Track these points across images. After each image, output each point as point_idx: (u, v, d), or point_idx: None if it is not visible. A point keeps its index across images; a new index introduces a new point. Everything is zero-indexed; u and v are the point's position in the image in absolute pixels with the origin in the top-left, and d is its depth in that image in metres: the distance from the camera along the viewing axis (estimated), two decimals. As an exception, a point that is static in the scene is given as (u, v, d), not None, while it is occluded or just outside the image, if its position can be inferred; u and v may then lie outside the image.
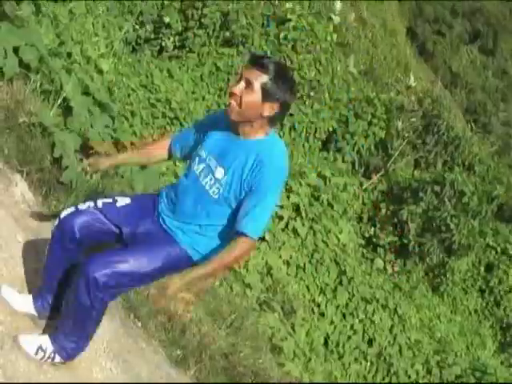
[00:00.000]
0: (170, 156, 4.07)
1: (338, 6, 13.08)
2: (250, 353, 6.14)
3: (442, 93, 19.19)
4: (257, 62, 3.50)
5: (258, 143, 3.58)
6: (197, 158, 3.70)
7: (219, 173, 3.60)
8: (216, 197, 3.61)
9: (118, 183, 6.05)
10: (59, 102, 5.90)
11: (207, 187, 3.62)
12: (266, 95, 3.49)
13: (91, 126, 5.96)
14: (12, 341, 3.79)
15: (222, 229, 3.71)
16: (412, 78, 14.27)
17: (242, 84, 3.50)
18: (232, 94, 3.53)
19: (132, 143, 4.60)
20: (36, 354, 3.77)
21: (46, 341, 3.79)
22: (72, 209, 3.79)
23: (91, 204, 3.79)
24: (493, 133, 24.74)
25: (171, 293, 3.46)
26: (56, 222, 3.82)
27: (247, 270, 8.29)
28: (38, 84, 5.96)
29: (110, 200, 3.85)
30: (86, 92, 6.35)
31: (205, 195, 3.63)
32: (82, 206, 3.78)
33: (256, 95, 3.49)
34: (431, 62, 26.62)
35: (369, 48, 16.81)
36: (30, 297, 4.06)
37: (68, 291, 3.79)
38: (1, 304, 3.94)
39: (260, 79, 3.47)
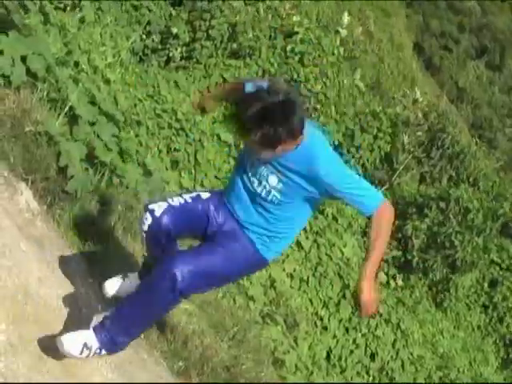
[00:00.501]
0: None
1: (346, 19, 13.11)
2: (252, 366, 6.12)
3: (448, 107, 19.19)
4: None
5: (302, 150, 3.54)
6: (245, 172, 3.81)
7: (272, 180, 3.64)
8: (276, 202, 3.69)
9: (122, 193, 6.05)
10: (65, 111, 5.90)
11: (264, 195, 3.70)
12: (271, 145, 3.44)
13: (97, 136, 5.96)
14: (54, 343, 3.76)
15: (292, 223, 3.85)
16: (418, 92, 14.26)
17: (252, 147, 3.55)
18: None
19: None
20: (81, 353, 3.68)
21: (90, 337, 3.70)
22: (164, 205, 3.81)
23: (181, 200, 3.86)
24: (498, 148, 24.71)
25: (371, 299, 3.57)
26: (149, 218, 3.83)
27: (251, 282, 8.28)
28: (45, 93, 5.96)
29: (195, 194, 3.93)
30: (93, 101, 6.36)
31: (265, 202, 3.74)
32: (173, 202, 3.83)
33: (267, 153, 3.48)
34: (438, 76, 26.61)
35: (376, 62, 16.82)
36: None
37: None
38: (3, 312, 3.93)
39: (254, 141, 3.43)
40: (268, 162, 3.64)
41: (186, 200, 3.86)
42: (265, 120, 3.34)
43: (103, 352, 3.74)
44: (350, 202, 3.65)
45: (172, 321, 5.49)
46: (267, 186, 3.66)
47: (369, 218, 3.68)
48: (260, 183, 3.69)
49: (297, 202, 3.74)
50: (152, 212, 3.80)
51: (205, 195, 3.96)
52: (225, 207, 3.92)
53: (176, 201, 3.83)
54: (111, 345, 3.74)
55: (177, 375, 5.23)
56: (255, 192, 3.73)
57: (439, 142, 13.74)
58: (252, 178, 3.72)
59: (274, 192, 3.66)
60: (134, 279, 4.25)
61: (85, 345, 3.66)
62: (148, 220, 3.80)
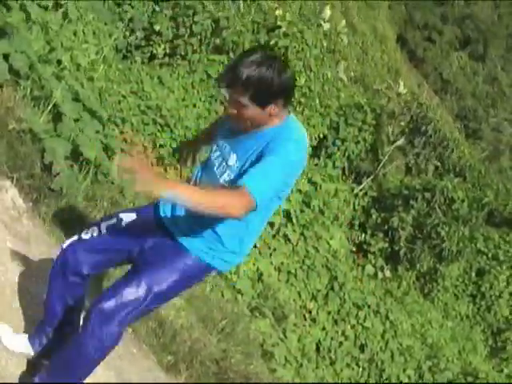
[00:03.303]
0: None
1: (328, 12, 13.12)
2: (241, 358, 6.14)
3: (429, 96, 19.27)
4: (228, 81, 3.29)
5: (273, 131, 3.35)
6: (214, 146, 3.55)
7: (232, 160, 3.41)
8: (225, 184, 3.36)
9: (108, 189, 6.06)
10: (49, 108, 5.90)
11: (218, 175, 3.42)
12: (261, 102, 3.27)
13: (81, 132, 5.96)
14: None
15: (232, 225, 3.42)
16: (402, 84, 14.29)
17: (233, 107, 3.31)
18: (232, 116, 3.36)
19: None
20: None
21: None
22: (75, 238, 3.59)
23: (95, 231, 3.59)
24: (483, 138, 24.83)
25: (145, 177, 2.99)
26: (58, 251, 3.65)
27: (238, 276, 8.30)
28: (28, 90, 5.96)
29: (114, 220, 3.62)
30: (77, 98, 6.35)
31: (215, 182, 3.41)
32: (85, 236, 3.57)
33: (252, 109, 3.28)
34: (421, 68, 26.67)
35: (359, 55, 16.85)
36: (25, 336, 3.85)
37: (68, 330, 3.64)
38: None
39: (244, 94, 3.25)
40: (237, 136, 3.43)
41: (100, 230, 3.59)
42: (263, 67, 3.24)
43: None
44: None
45: (160, 315, 5.51)
46: (224, 167, 3.42)
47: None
48: (219, 165, 3.46)
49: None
50: (62, 246, 3.63)
51: (128, 218, 3.64)
52: (151, 221, 3.64)
53: (89, 233, 3.58)
54: None
55: (166, 369, 5.25)
56: (212, 174, 3.47)
57: (422, 130, 13.80)
58: (214, 161, 3.49)
59: (228, 171, 3.40)
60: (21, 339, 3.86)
61: None
62: (57, 253, 3.65)
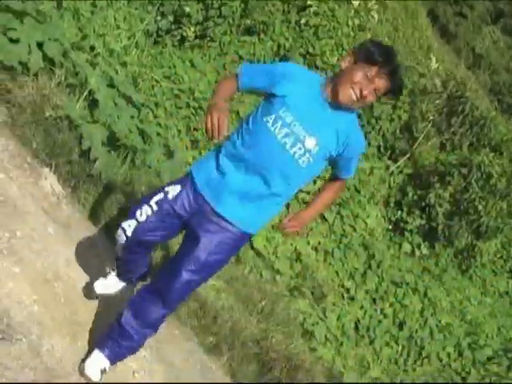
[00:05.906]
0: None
1: (357, -11, 13.00)
2: (281, 338, 6.17)
3: (466, 74, 19.02)
4: (396, 90, 3.82)
5: (347, 119, 3.68)
6: (279, 121, 3.57)
7: (310, 143, 3.57)
8: (304, 166, 3.61)
9: (145, 173, 6.09)
10: (85, 94, 5.93)
11: (296, 157, 3.57)
12: (397, 93, 3.89)
13: (117, 118, 6.00)
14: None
15: (287, 198, 3.80)
16: (434, 59, 14.11)
17: (373, 90, 3.63)
18: (360, 92, 3.58)
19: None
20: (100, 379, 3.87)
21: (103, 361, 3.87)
22: (134, 223, 3.74)
23: (148, 211, 3.72)
24: (518, 113, 24.48)
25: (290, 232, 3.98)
26: (122, 237, 3.80)
27: (276, 256, 8.31)
28: (63, 78, 5.98)
29: (162, 195, 3.74)
30: (111, 84, 6.39)
31: (292, 164, 3.59)
32: (141, 218, 3.73)
33: (374, 100, 3.70)
34: (453, 43, 26.30)
35: (390, 31, 16.65)
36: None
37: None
38: (34, 294, 3.98)
39: (385, 92, 3.72)
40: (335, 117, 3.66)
41: (152, 210, 3.72)
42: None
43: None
44: (343, 167, 3.89)
45: (201, 297, 5.55)
46: (302, 149, 3.56)
47: (332, 179, 4.04)
48: (293, 145, 3.56)
49: (312, 173, 3.78)
50: (124, 231, 3.77)
51: (173, 191, 3.75)
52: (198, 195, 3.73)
53: (143, 215, 3.72)
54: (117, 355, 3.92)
55: (208, 350, 5.29)
56: (285, 153, 3.56)
57: (459, 110, 13.61)
58: (284, 140, 3.55)
59: (307, 155, 3.58)
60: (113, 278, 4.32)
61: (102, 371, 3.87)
62: (122, 238, 3.80)
